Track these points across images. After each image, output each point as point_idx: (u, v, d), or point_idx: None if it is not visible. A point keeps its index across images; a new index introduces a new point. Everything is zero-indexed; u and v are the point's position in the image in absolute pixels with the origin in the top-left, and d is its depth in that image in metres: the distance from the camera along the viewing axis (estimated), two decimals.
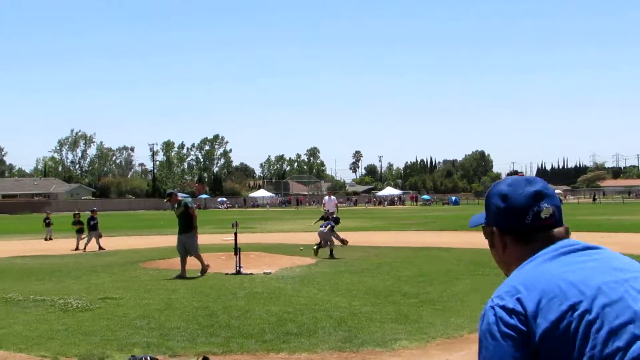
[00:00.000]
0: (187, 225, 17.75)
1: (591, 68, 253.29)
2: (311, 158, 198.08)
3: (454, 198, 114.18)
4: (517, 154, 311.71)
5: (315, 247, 22.68)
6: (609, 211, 64.09)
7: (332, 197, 34.38)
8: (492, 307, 2.04)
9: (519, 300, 2.01)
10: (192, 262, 18.09)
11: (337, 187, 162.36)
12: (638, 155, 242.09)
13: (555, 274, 2.05)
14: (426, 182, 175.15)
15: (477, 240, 21.41)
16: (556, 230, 2.23)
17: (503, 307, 2.02)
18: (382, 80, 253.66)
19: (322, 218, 27.39)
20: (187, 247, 17.61)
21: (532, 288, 2.02)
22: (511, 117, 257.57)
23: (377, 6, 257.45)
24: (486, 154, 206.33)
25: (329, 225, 23.07)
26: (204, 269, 17.53)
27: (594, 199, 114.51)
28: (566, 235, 2.25)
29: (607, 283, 2.01)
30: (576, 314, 1.96)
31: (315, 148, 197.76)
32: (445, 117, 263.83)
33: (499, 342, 1.99)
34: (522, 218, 2.22)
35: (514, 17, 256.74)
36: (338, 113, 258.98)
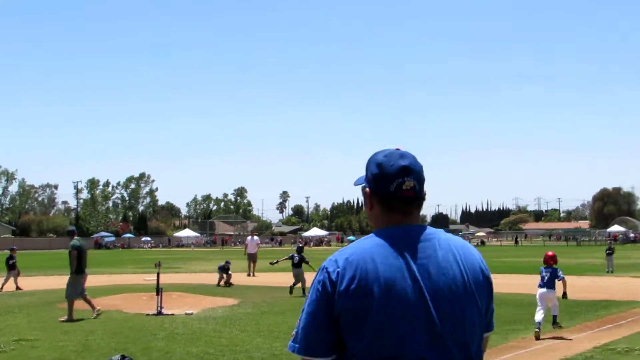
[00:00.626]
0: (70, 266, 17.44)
1: (514, 111, 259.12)
2: (238, 198, 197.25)
3: None
4: (442, 196, 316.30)
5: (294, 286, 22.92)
6: (530, 253, 65.19)
7: (255, 237, 34.46)
8: (324, 268, 2.55)
9: (338, 273, 2.47)
10: (114, 302, 17.71)
11: (263, 228, 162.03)
12: (559, 199, 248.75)
13: (375, 264, 2.46)
14: (352, 223, 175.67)
15: None
16: (413, 210, 2.67)
17: (327, 272, 2.51)
18: (310, 121, 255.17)
19: (220, 268, 27.38)
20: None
21: (352, 268, 2.47)
22: (436, 159, 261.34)
23: (305, 48, 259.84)
24: None
25: (300, 259, 23.19)
26: (69, 318, 16.61)
27: (516, 242, 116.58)
28: (417, 217, 2.68)
29: (405, 289, 2.44)
30: (366, 309, 2.40)
31: (242, 188, 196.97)
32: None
33: (316, 296, 2.51)
34: (388, 186, 2.64)
35: (429, 56, 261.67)
36: (266, 153, 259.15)
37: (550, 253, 15.52)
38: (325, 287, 2.48)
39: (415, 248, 2.55)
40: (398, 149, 2.76)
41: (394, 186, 2.63)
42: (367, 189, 2.74)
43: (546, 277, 14.74)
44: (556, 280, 14.83)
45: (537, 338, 13.60)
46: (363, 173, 2.79)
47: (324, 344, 2.50)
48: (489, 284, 2.69)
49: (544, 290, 14.67)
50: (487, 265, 2.75)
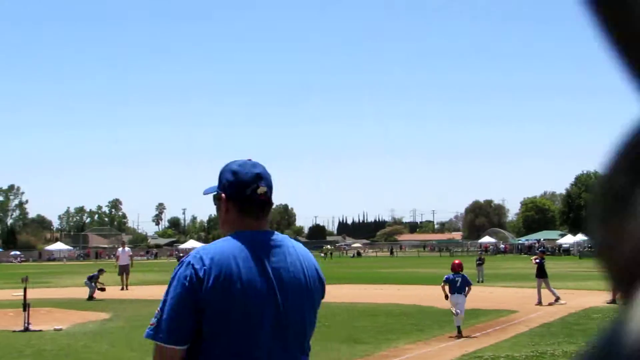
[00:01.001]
0: None
1: (389, 123, 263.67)
2: (113, 210, 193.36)
3: None
4: (320, 208, 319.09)
5: None
6: (405, 264, 66.47)
7: (127, 248, 33.93)
8: (189, 263, 2.78)
9: (205, 271, 2.74)
10: None
11: (139, 240, 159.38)
12: (433, 211, 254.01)
13: (237, 265, 2.78)
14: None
15: None
16: (265, 214, 3.04)
17: (194, 268, 2.75)
18: (184, 132, 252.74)
19: (90, 278, 26.99)
20: None
21: (218, 267, 2.75)
22: (314, 171, 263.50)
23: (157, 61, 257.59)
24: (289, 208, 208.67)
25: None
26: None
27: (392, 252, 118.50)
28: (267, 222, 3.05)
29: (262, 290, 2.80)
30: (228, 306, 2.74)
31: (117, 200, 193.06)
32: None
33: (182, 289, 2.75)
34: (244, 191, 2.98)
35: (293, 68, 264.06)
36: (141, 164, 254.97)
37: (457, 261, 16.91)
38: (192, 281, 2.74)
39: (270, 252, 2.91)
40: (250, 160, 3.12)
41: (249, 190, 2.98)
42: (223, 195, 3.03)
43: (458, 283, 15.85)
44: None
45: (459, 335, 15.36)
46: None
47: (185, 334, 2.76)
48: (323, 287, 3.11)
49: (455, 295, 15.77)
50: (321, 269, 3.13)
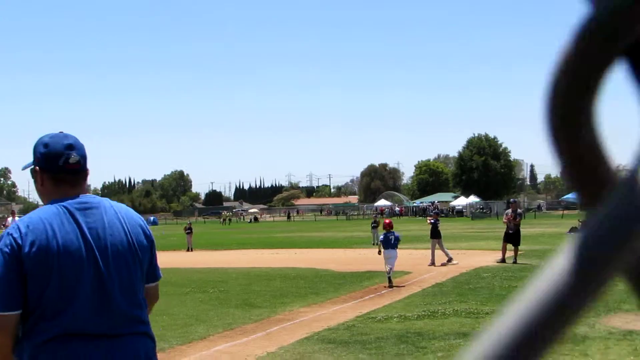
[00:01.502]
0: None
1: (283, 90, 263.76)
2: (2, 179, 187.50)
3: (152, 218, 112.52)
4: (216, 174, 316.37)
5: None
6: (301, 228, 66.77)
7: (16, 218, 32.88)
8: (8, 233, 2.96)
9: (21, 237, 2.91)
10: None
11: (30, 209, 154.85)
12: (329, 175, 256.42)
13: (53, 230, 2.94)
14: (125, 202, 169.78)
15: (178, 259, 21.77)
16: (80, 181, 3.19)
17: (13, 237, 2.92)
18: (83, 100, 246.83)
19: None
20: None
21: (33, 234, 2.92)
22: (210, 137, 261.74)
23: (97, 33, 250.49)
24: (185, 174, 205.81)
25: None
26: None
27: (289, 217, 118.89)
28: (84, 188, 3.19)
29: (79, 250, 2.97)
30: (47, 269, 2.90)
31: (6, 168, 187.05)
32: (144, 136, 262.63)
33: (4, 258, 2.89)
34: (57, 161, 3.11)
35: (230, 41, 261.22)
36: (31, 130, 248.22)
37: (387, 221, 19.96)
38: (13, 249, 2.89)
39: (85, 214, 3.07)
40: (61, 132, 3.25)
41: (62, 160, 3.11)
42: (37, 168, 3.17)
43: (392, 240, 17.94)
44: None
45: (391, 285, 17.23)
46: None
47: (16, 299, 2.90)
48: (151, 242, 3.28)
49: (389, 250, 17.79)
50: (148, 225, 3.32)
